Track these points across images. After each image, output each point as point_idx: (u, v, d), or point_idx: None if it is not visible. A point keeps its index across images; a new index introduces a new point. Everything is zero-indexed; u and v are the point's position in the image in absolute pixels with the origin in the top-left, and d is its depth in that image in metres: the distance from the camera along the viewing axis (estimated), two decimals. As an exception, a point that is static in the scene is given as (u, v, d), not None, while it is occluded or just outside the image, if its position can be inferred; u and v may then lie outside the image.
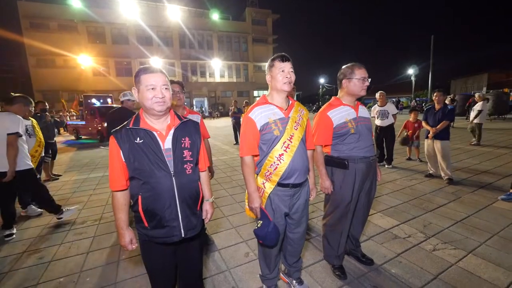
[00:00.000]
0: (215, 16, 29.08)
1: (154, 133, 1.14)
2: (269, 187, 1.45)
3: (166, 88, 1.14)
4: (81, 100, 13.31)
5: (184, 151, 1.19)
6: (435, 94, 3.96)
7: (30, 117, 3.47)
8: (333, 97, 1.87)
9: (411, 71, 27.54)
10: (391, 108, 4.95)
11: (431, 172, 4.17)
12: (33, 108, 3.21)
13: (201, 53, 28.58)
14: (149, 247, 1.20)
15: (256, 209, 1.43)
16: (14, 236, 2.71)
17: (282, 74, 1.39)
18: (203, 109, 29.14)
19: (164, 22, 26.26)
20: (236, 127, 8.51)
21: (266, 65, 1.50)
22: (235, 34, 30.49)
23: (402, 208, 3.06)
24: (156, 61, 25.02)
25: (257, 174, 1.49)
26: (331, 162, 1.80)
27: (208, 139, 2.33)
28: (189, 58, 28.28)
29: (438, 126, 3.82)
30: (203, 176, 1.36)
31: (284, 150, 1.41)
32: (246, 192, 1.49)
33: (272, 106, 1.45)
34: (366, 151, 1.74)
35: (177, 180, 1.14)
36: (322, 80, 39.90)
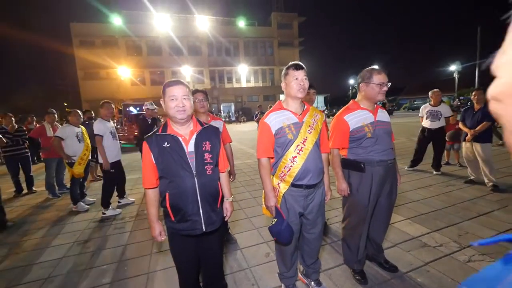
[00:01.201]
0: (241, 23, 29.91)
1: (179, 138, 1.29)
2: (283, 187, 1.52)
3: (185, 98, 1.28)
4: (120, 108, 14.51)
5: (205, 154, 1.32)
6: (474, 93, 3.67)
7: (80, 125, 3.98)
8: (351, 101, 1.87)
9: (453, 67, 25.19)
10: (444, 109, 4.31)
11: (472, 178, 3.81)
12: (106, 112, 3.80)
13: (228, 60, 29.57)
14: (175, 239, 1.36)
15: (272, 207, 1.51)
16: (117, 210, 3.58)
17: (296, 82, 1.47)
18: (230, 114, 29.90)
19: (193, 32, 27.81)
20: None
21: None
22: (261, 39, 31.00)
23: (435, 215, 2.86)
24: (187, 70, 26.62)
25: (273, 175, 1.57)
26: (348, 164, 1.80)
27: (233, 143, 2.45)
28: (217, 65, 29.43)
29: (477, 128, 3.51)
30: (223, 177, 1.48)
31: (297, 152, 1.48)
32: (263, 191, 1.58)
33: (286, 112, 1.53)
34: (383, 155, 1.71)
35: (198, 180, 1.28)
36: (351, 81, 38.33)
